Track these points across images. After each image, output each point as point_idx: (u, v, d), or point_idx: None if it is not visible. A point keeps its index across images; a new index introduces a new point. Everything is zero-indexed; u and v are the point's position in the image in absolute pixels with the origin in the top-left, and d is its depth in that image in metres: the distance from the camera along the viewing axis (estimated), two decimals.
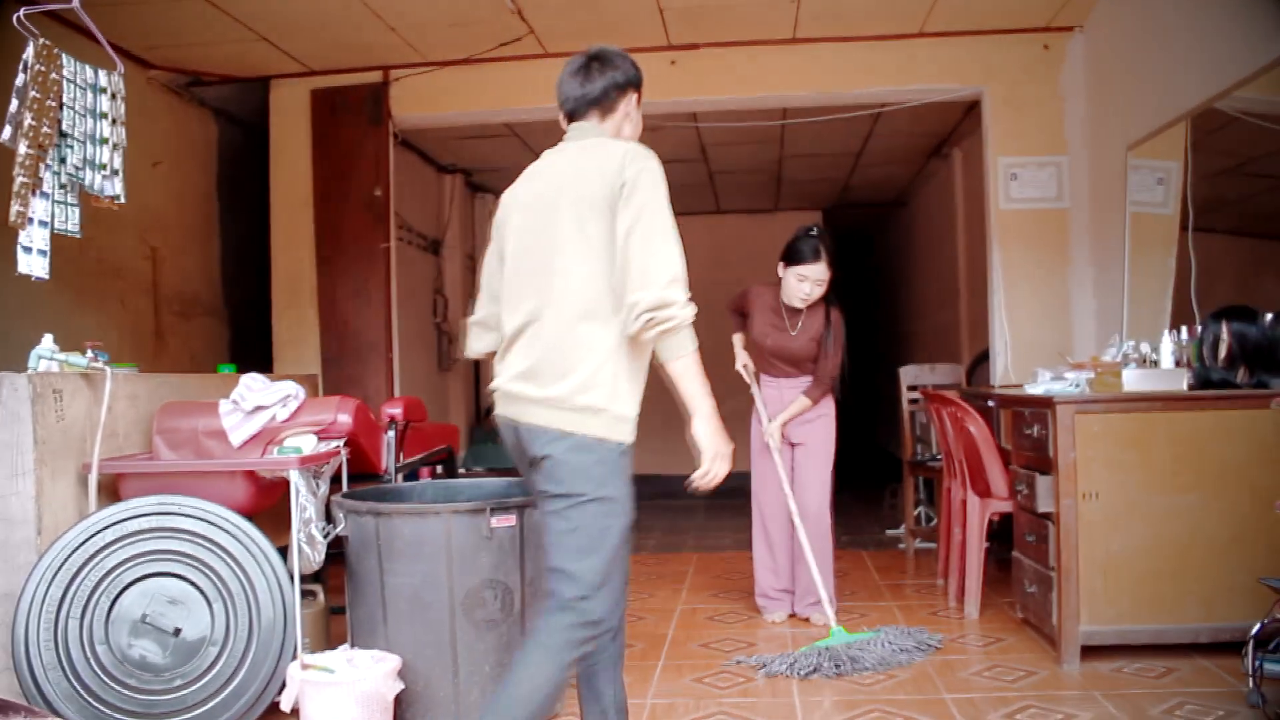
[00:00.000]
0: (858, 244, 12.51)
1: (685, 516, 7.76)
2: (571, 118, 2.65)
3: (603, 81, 2.59)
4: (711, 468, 2.41)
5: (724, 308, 4.70)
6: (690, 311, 2.36)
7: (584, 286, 2.40)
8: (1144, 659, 3.68)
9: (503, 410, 2.53)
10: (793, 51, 5.74)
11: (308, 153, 6.08)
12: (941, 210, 8.24)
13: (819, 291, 4.34)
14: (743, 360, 4.67)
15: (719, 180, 8.80)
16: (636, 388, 2.46)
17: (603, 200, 2.39)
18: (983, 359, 6.10)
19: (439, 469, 4.86)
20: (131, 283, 5.56)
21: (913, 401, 6.01)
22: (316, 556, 3.29)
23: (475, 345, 2.76)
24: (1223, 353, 3.82)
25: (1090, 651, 3.68)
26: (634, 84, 2.65)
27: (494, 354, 2.66)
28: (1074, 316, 5.65)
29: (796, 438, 4.53)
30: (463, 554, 3.12)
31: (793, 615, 4.56)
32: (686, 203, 9.52)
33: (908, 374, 6.18)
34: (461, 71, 5.94)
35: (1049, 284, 5.67)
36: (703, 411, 2.39)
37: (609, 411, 2.38)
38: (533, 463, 2.46)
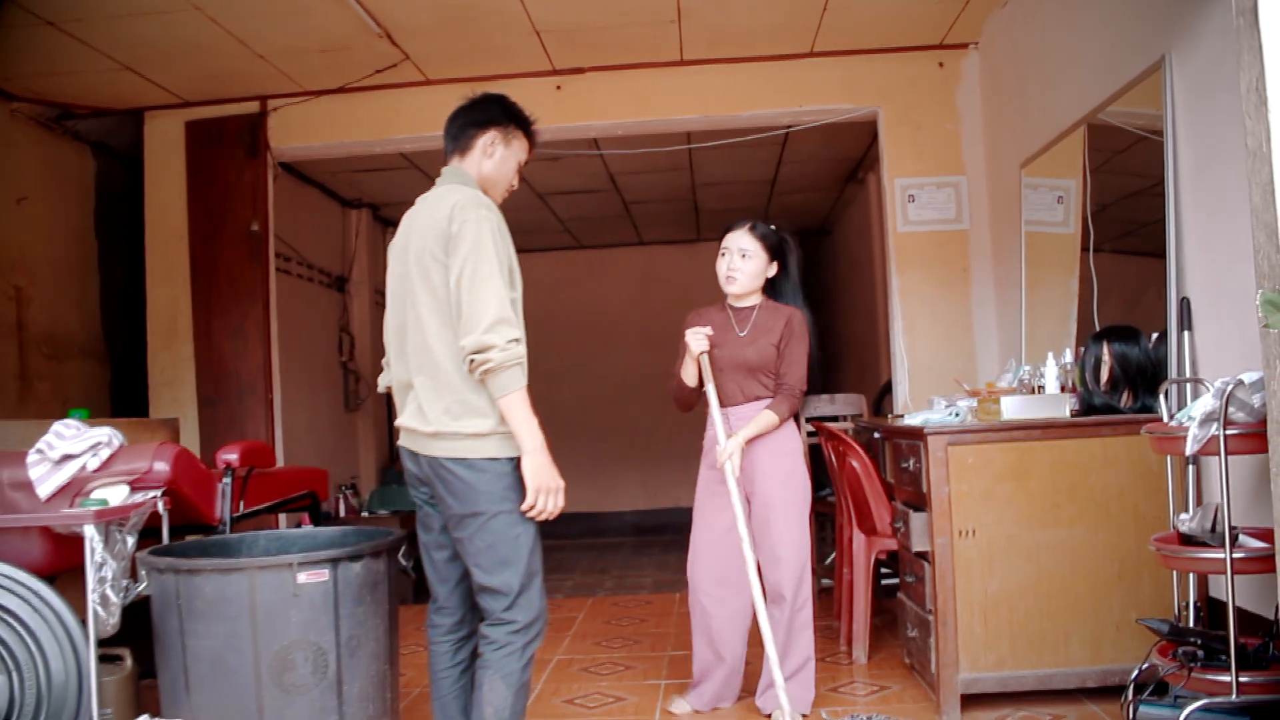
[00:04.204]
0: None
1: (611, 553, 7.50)
2: (446, 160, 2.80)
3: (461, 121, 2.75)
4: (537, 501, 2.53)
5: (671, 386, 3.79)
6: (513, 353, 2.48)
7: (439, 333, 2.57)
8: (1029, 706, 3.43)
9: (405, 443, 2.72)
10: (682, 74, 5.55)
11: (183, 186, 5.81)
12: (860, 236, 8.06)
13: (747, 267, 3.68)
14: (702, 333, 3.63)
15: (635, 210, 8.58)
16: None
17: (441, 252, 2.56)
18: (889, 389, 5.88)
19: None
20: None
21: (811, 434, 5.76)
22: (111, 619, 2.99)
23: (383, 380, 2.92)
24: (1104, 375, 3.62)
25: (972, 700, 3.42)
26: (493, 123, 2.74)
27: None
28: (977, 342, 5.44)
29: (756, 487, 3.59)
30: (269, 613, 2.82)
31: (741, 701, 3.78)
32: (606, 235, 9.32)
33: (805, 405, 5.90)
34: (341, 100, 5.72)
35: (951, 309, 5.46)
36: (528, 447, 2.53)
37: (493, 435, 2.56)
38: (434, 489, 2.65)
